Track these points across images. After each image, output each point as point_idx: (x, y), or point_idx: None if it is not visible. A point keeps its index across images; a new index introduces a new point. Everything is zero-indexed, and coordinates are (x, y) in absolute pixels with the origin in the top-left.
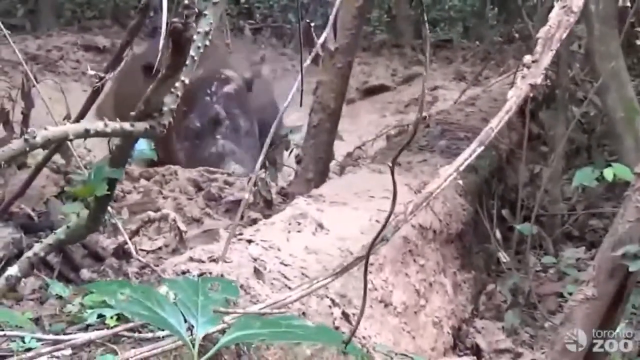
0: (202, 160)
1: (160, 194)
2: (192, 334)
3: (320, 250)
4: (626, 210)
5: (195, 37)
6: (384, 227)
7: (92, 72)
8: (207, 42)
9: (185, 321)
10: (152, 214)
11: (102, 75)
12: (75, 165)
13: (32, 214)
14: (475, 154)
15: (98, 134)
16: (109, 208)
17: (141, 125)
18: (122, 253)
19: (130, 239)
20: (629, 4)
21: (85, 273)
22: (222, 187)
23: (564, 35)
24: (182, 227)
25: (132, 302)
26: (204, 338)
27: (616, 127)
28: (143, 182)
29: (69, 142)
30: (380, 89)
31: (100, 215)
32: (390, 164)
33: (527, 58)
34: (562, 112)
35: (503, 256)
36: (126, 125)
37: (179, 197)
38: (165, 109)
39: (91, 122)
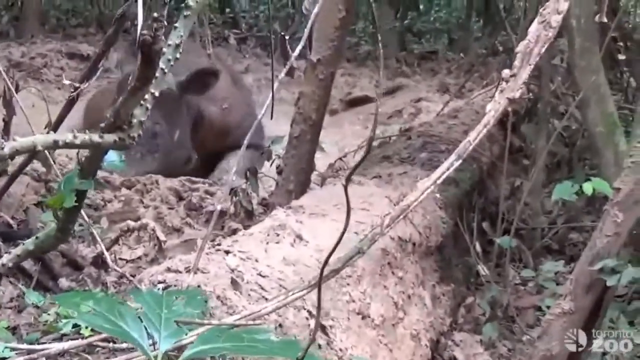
0: None
1: (141, 203)
2: (155, 348)
3: (298, 261)
4: (604, 225)
5: (165, 49)
6: (336, 245)
7: (67, 82)
8: (178, 55)
9: (149, 335)
10: (131, 223)
11: (78, 85)
12: (55, 173)
13: (12, 222)
14: (453, 167)
15: (67, 145)
16: (86, 217)
17: (110, 137)
18: (101, 262)
19: (109, 248)
20: (605, 20)
21: (63, 282)
22: (203, 196)
23: (543, 50)
24: (161, 236)
25: (95, 315)
26: (173, 350)
27: (596, 141)
28: (124, 191)
29: (47, 151)
30: (364, 100)
31: (69, 226)
32: (344, 182)
33: (506, 72)
34: (543, 125)
35: (482, 269)
36: (95, 137)
37: (159, 207)
38: (134, 120)
39: (60, 134)
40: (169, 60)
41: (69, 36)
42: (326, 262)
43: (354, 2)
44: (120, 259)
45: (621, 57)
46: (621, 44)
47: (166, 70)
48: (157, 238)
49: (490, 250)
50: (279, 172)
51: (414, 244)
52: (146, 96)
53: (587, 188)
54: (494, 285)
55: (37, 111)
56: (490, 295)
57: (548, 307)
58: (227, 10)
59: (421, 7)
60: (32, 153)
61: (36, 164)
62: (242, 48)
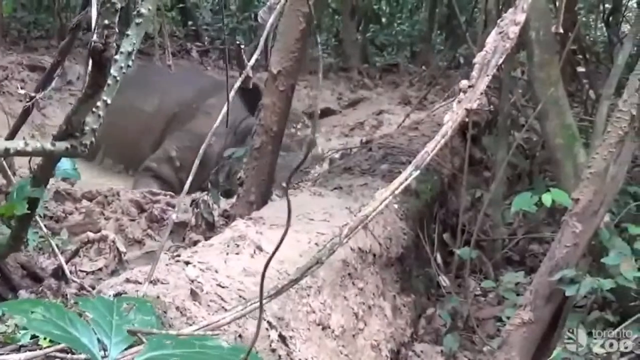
0: None
1: (102, 215)
2: (105, 354)
3: (258, 272)
4: (563, 235)
5: (118, 57)
6: (275, 249)
7: (22, 91)
8: (130, 63)
9: (99, 341)
10: (91, 234)
11: (33, 94)
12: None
13: None
14: (411, 178)
15: (19, 153)
16: (46, 229)
17: (62, 145)
18: (61, 274)
19: (69, 259)
20: (562, 31)
21: (23, 294)
22: (165, 208)
23: (500, 61)
24: (122, 248)
25: (44, 321)
26: (123, 357)
27: (555, 153)
28: (85, 202)
29: (4, 162)
30: (326, 112)
31: (22, 234)
32: (285, 185)
33: (464, 83)
34: (503, 137)
35: (443, 280)
36: (47, 145)
37: (121, 218)
38: (87, 128)
39: (12, 141)
40: (121, 67)
41: (30, 48)
42: (266, 267)
43: (313, 16)
44: (81, 270)
45: (581, 69)
46: (580, 56)
47: (118, 78)
48: (117, 250)
49: (451, 261)
50: (240, 184)
51: (374, 255)
52: (98, 103)
53: (547, 199)
54: (454, 296)
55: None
56: (450, 306)
57: (508, 318)
58: (190, 23)
59: (383, 20)
60: None
61: None
62: (204, 60)
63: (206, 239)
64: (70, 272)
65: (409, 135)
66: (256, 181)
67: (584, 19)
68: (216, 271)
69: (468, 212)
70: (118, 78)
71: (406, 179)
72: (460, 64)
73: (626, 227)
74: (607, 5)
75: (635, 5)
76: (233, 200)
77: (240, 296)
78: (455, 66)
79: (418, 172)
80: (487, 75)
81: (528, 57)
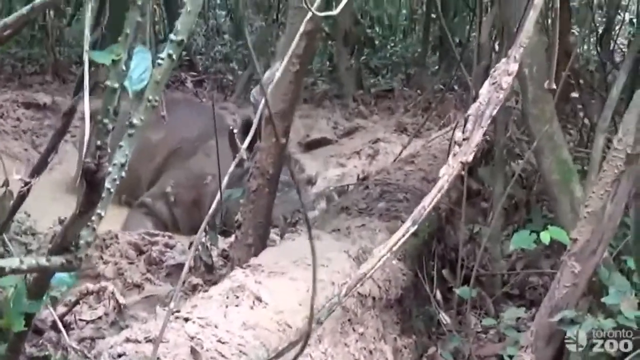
0: None
1: (101, 259)
2: None
3: (258, 325)
4: (562, 275)
5: (111, 169)
6: None
7: (17, 177)
8: (124, 174)
9: None
10: (90, 286)
11: (28, 180)
12: (14, 231)
13: None
14: (408, 234)
15: (14, 271)
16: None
17: (57, 260)
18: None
19: (68, 311)
20: (554, 87)
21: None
22: (163, 250)
23: (494, 112)
24: (121, 299)
25: None
26: None
27: (552, 189)
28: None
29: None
30: (322, 142)
31: (19, 345)
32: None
33: (458, 136)
34: (500, 169)
35: (443, 318)
36: (42, 261)
37: (119, 262)
38: (82, 242)
39: (7, 260)
40: (114, 180)
41: (24, 85)
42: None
43: (308, 56)
44: (81, 319)
45: (574, 94)
46: (573, 82)
47: (112, 190)
48: (117, 301)
49: (451, 297)
50: (238, 226)
51: (373, 299)
52: (93, 217)
53: (545, 237)
54: (455, 335)
55: None
56: (452, 345)
57: (510, 357)
58: (184, 52)
59: (377, 42)
60: None
61: None
62: (199, 92)
63: (205, 282)
64: (70, 322)
65: (406, 169)
66: (253, 224)
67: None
68: (216, 326)
69: (466, 246)
70: (112, 190)
71: (404, 235)
72: (454, 88)
73: (625, 259)
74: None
75: (628, 31)
76: (231, 239)
77: (240, 351)
78: (450, 89)
79: (416, 227)
80: (482, 127)
81: (522, 93)
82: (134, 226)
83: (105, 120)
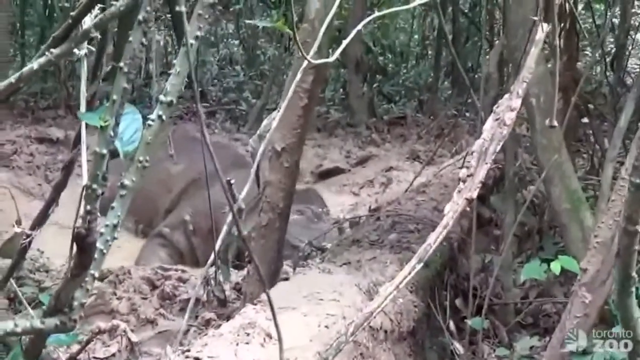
0: None
1: (114, 295)
2: None
3: None
4: (573, 306)
5: (103, 230)
6: None
7: (18, 229)
8: (116, 234)
9: None
10: (102, 325)
11: (29, 232)
12: (28, 269)
13: None
14: (414, 271)
15: (9, 334)
16: None
17: (51, 322)
18: None
19: (82, 349)
20: (555, 124)
21: None
22: (176, 284)
23: (498, 148)
24: (133, 337)
25: None
26: None
27: (562, 218)
28: (96, 283)
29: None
30: (335, 171)
31: None
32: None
33: (463, 172)
34: (511, 197)
35: (457, 348)
36: (36, 323)
37: (133, 297)
38: (75, 303)
39: (1, 323)
40: (107, 240)
41: (38, 120)
42: None
43: (317, 90)
44: (95, 357)
45: (585, 120)
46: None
47: (105, 251)
48: (129, 339)
49: (464, 327)
50: (249, 261)
51: (385, 332)
52: (87, 278)
53: (555, 267)
54: None
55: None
56: None
57: None
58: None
59: (389, 69)
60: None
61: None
62: (211, 123)
63: (218, 316)
64: None
65: (417, 199)
66: (265, 259)
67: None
68: None
69: (479, 275)
70: (105, 251)
71: (410, 273)
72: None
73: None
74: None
75: None
76: (244, 272)
77: None
78: (462, 115)
79: (422, 264)
80: (486, 163)
81: (530, 123)
82: (149, 256)
83: (95, 186)
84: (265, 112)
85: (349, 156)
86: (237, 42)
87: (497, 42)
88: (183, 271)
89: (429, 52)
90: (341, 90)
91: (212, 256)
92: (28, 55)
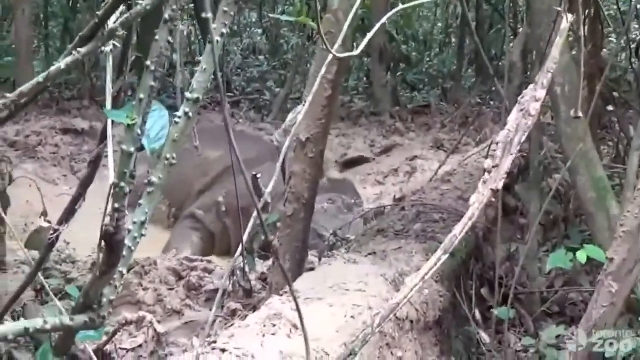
0: None
1: (140, 286)
2: None
3: (295, 353)
4: (599, 296)
5: (131, 227)
6: None
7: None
8: (144, 232)
9: None
10: (128, 316)
11: (57, 227)
12: (54, 260)
13: (9, 320)
14: (440, 263)
15: (38, 331)
16: None
17: (81, 319)
18: (101, 355)
19: (108, 341)
20: (580, 115)
21: None
22: (202, 275)
23: (523, 139)
24: (159, 328)
25: None
26: None
27: (588, 207)
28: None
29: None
30: (360, 160)
31: None
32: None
33: (488, 163)
34: (536, 187)
35: (483, 337)
36: (66, 320)
37: (159, 288)
38: (104, 300)
39: (30, 321)
40: (135, 237)
41: (62, 111)
42: None
43: (340, 81)
44: (121, 348)
45: (610, 108)
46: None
47: (133, 249)
48: (155, 330)
49: (490, 317)
50: (275, 252)
51: (411, 322)
52: (115, 275)
53: (581, 257)
54: (495, 355)
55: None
56: None
57: None
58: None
59: (413, 55)
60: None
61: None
62: (235, 113)
63: (244, 306)
64: (111, 352)
65: (442, 189)
66: (290, 249)
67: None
68: (253, 356)
69: (505, 264)
70: (133, 248)
71: (435, 264)
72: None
73: None
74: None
75: None
76: (270, 262)
77: None
78: (486, 103)
79: (447, 255)
80: (511, 154)
81: (554, 112)
82: (181, 239)
83: (122, 184)
84: (289, 102)
85: (373, 145)
86: (260, 31)
87: (521, 29)
88: (209, 262)
89: (453, 40)
90: (365, 79)
91: (239, 247)
92: (52, 46)
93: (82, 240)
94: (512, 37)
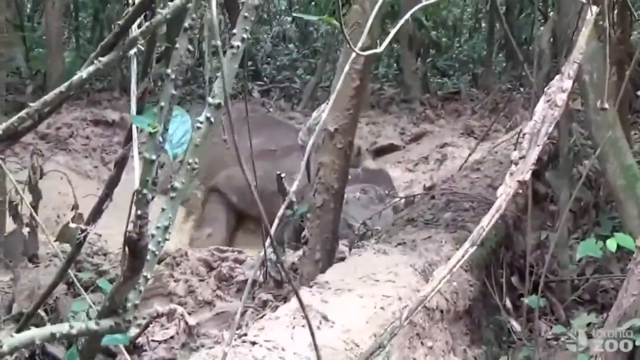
0: None
1: (172, 277)
2: None
3: (324, 345)
4: (629, 284)
5: (154, 232)
6: None
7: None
8: (167, 236)
9: None
10: (159, 308)
11: (85, 227)
12: (86, 252)
13: (42, 313)
14: (467, 255)
15: (64, 336)
16: None
17: (106, 323)
18: (133, 348)
19: (140, 333)
20: (607, 106)
21: None
22: (233, 266)
23: (550, 130)
24: (190, 321)
25: None
26: None
27: (618, 195)
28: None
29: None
30: (390, 148)
31: None
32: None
33: (515, 154)
34: (565, 174)
35: (514, 326)
36: (91, 325)
37: (190, 279)
38: (129, 304)
39: (57, 326)
40: (159, 242)
41: (93, 102)
42: None
43: (368, 70)
44: (153, 340)
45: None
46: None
47: (157, 252)
48: (186, 322)
49: (521, 305)
50: (305, 242)
51: (441, 311)
52: (140, 280)
53: (611, 245)
54: (526, 345)
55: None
56: (522, 356)
57: None
58: (249, 63)
59: (443, 41)
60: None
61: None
62: (265, 102)
63: (275, 297)
64: (142, 344)
65: (471, 177)
66: (320, 239)
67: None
68: (283, 349)
69: (535, 252)
70: (157, 253)
71: (463, 256)
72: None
73: None
74: None
75: None
76: (300, 252)
77: None
78: (516, 89)
79: (475, 247)
80: (538, 145)
81: (583, 100)
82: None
83: (145, 191)
84: (318, 90)
85: (403, 133)
86: (290, 18)
87: (551, 13)
88: (239, 252)
89: (483, 25)
90: (395, 65)
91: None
92: (82, 37)
93: (113, 232)
94: (542, 21)
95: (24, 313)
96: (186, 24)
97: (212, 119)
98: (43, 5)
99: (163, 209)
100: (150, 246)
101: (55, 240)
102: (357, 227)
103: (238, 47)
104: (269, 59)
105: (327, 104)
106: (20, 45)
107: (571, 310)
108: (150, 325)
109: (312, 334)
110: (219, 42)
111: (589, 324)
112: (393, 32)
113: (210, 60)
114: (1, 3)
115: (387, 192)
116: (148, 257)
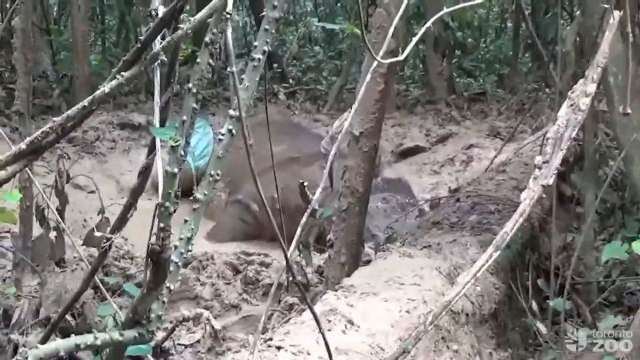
0: None
1: (198, 281)
2: None
3: (350, 349)
4: None
5: (177, 243)
6: None
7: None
8: (190, 247)
9: None
10: (186, 313)
11: (109, 236)
12: (112, 256)
13: (69, 318)
14: (492, 259)
15: (89, 347)
16: None
17: (130, 334)
18: (159, 352)
19: (166, 337)
20: (629, 111)
21: None
22: (259, 269)
23: (573, 134)
24: (216, 325)
25: None
26: None
27: None
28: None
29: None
30: (415, 150)
31: None
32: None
33: (538, 159)
34: (591, 176)
35: (540, 328)
36: (115, 335)
37: (216, 283)
38: (152, 315)
39: (81, 337)
40: (181, 253)
41: (119, 105)
42: None
43: (393, 74)
44: (179, 344)
45: None
46: None
47: (179, 263)
48: (212, 327)
49: (547, 307)
50: (330, 246)
51: (467, 315)
52: (163, 291)
53: (637, 246)
54: (552, 348)
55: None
56: (549, 358)
57: None
58: (275, 65)
59: (469, 42)
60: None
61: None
62: (291, 104)
63: (301, 300)
64: (169, 348)
65: (497, 179)
66: (346, 242)
67: None
68: (308, 353)
69: (561, 254)
70: (180, 264)
71: (487, 261)
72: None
73: None
74: None
75: None
76: (326, 255)
77: None
78: (542, 89)
79: (499, 252)
80: (562, 150)
81: (608, 102)
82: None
83: (167, 204)
84: (344, 92)
85: (429, 134)
86: (315, 20)
87: (577, 13)
88: (265, 255)
89: (509, 25)
90: (420, 66)
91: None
92: (108, 40)
93: (140, 235)
94: (568, 19)
95: (51, 318)
96: (207, 39)
97: (234, 131)
98: (69, 8)
99: (186, 220)
100: (173, 257)
101: (82, 245)
102: (381, 236)
103: (259, 59)
104: (295, 60)
105: (350, 112)
106: (46, 49)
107: (597, 313)
108: (177, 329)
109: (323, 335)
110: (234, 69)
111: (615, 326)
112: (416, 38)
113: (236, 62)
114: (28, 7)
115: (407, 200)
116: (171, 268)
